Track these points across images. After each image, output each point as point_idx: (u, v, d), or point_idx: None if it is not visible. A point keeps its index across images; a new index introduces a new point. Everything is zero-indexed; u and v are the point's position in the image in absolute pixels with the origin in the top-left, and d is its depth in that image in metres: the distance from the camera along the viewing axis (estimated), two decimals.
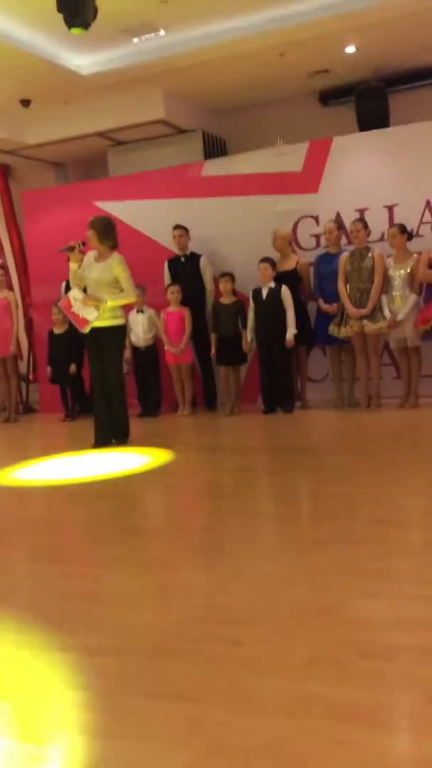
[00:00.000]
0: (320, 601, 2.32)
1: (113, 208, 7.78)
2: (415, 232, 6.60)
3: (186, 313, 7.20)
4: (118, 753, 1.58)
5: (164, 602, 2.44)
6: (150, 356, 7.41)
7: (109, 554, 3.03)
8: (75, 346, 7.49)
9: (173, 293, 7.21)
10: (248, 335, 6.90)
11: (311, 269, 6.95)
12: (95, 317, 5.51)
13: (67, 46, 6.95)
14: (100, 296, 5.54)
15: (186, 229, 7.37)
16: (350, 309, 6.44)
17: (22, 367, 8.77)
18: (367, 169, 7.04)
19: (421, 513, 3.38)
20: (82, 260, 5.68)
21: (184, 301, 7.24)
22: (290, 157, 7.28)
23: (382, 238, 6.69)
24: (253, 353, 7.06)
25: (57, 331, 7.90)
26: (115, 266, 5.55)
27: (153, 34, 6.91)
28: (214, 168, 7.73)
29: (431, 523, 3.17)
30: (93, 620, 2.33)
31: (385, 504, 3.47)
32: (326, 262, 6.76)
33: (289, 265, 6.92)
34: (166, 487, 4.44)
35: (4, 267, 9.50)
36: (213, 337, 7.09)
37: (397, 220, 6.72)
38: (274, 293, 6.71)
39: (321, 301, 6.76)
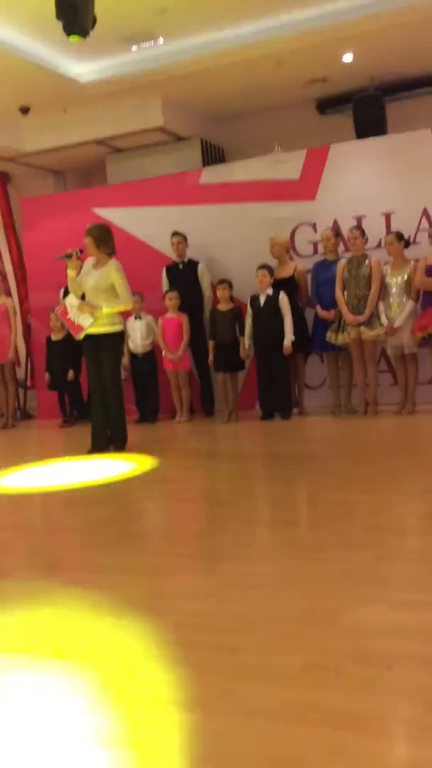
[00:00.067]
0: (317, 607, 2.32)
1: (112, 215, 7.81)
2: (412, 240, 6.63)
3: (184, 319, 7.21)
4: (113, 760, 1.58)
5: (160, 608, 2.44)
6: (148, 363, 7.42)
7: (106, 561, 3.03)
8: (73, 352, 7.49)
9: (171, 300, 7.22)
10: (246, 342, 6.91)
11: (309, 276, 6.98)
12: (90, 324, 5.53)
13: (66, 54, 6.98)
14: (97, 303, 5.55)
15: (184, 236, 7.39)
16: (347, 316, 6.46)
17: (20, 373, 8.78)
18: (364, 176, 7.07)
19: (418, 519, 3.38)
20: (80, 267, 5.70)
21: (182, 308, 7.25)
22: (288, 165, 7.31)
23: (379, 246, 6.71)
24: (251, 360, 7.07)
25: (55, 337, 7.91)
26: (112, 273, 5.56)
27: (152, 43, 6.95)
28: (212, 175, 7.76)
29: (428, 529, 3.17)
30: (89, 626, 2.33)
31: (382, 511, 3.47)
32: (324, 269, 6.78)
33: (286, 272, 6.94)
34: (164, 493, 4.43)
35: (3, 273, 9.52)
36: (211, 344, 7.10)
37: (394, 227, 6.75)
38: (272, 300, 6.72)
39: (318, 308, 6.78)
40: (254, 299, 6.84)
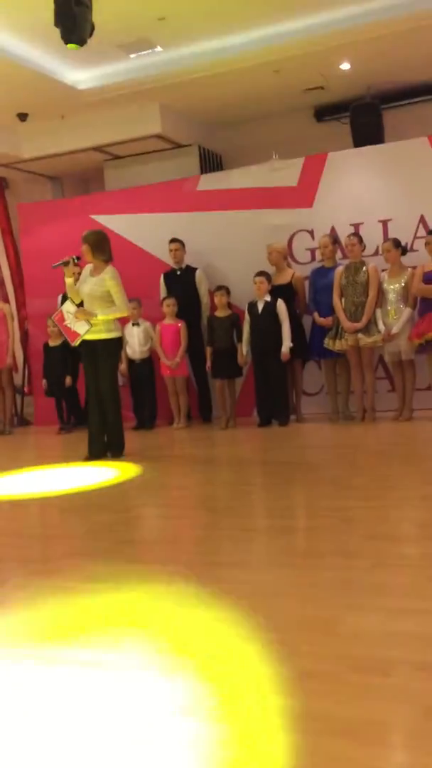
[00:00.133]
0: (314, 614, 2.31)
1: (109, 221, 7.82)
2: (409, 247, 6.65)
3: (182, 326, 7.22)
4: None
5: (157, 614, 2.43)
6: (146, 369, 7.42)
7: (99, 568, 3.02)
8: (70, 358, 7.49)
9: (169, 306, 7.23)
10: (243, 348, 6.92)
11: (306, 283, 6.99)
12: (85, 331, 5.53)
13: (64, 61, 7.00)
14: (92, 310, 5.55)
15: (182, 243, 7.40)
16: (345, 322, 6.47)
17: (17, 379, 8.77)
18: (361, 184, 7.09)
19: (415, 526, 3.38)
20: (77, 274, 5.70)
21: (180, 314, 7.26)
22: (285, 173, 7.33)
23: (376, 253, 6.73)
24: (249, 366, 7.07)
25: (52, 343, 7.91)
26: (108, 280, 5.56)
27: (150, 50, 6.98)
28: (210, 182, 7.78)
29: (426, 536, 3.17)
30: (86, 632, 2.32)
31: (379, 517, 3.47)
32: (321, 276, 6.80)
33: (284, 278, 6.95)
34: (161, 500, 4.43)
35: (0, 279, 9.53)
36: (208, 350, 7.10)
37: (391, 234, 6.77)
38: (270, 307, 6.73)
39: (316, 315, 6.79)
40: (252, 306, 6.85)
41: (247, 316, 6.89)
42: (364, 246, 6.58)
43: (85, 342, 5.59)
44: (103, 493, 4.54)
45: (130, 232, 7.88)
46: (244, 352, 6.92)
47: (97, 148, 8.51)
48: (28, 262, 8.59)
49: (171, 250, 7.40)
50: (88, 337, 5.56)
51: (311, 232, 7.23)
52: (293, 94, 7.93)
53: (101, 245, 5.62)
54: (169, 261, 7.50)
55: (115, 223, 7.84)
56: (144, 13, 6.15)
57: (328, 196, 7.18)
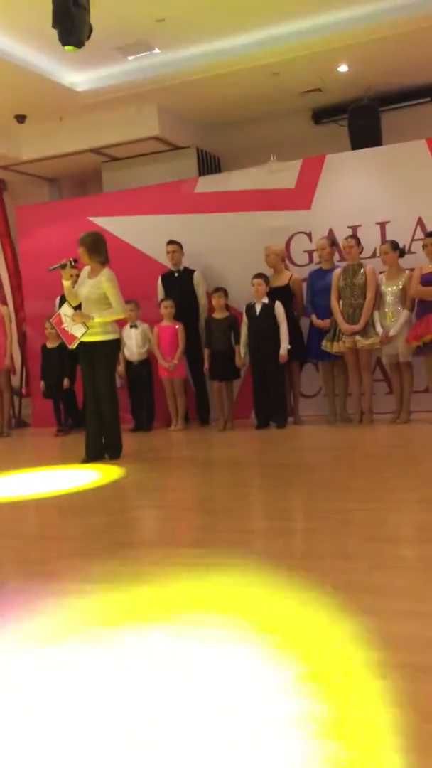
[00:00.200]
0: (311, 617, 2.31)
1: (107, 223, 7.82)
2: (407, 249, 6.66)
3: (179, 327, 7.22)
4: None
5: (154, 616, 2.43)
6: (143, 371, 7.42)
7: (97, 569, 3.02)
8: (68, 360, 7.49)
9: (167, 308, 7.23)
10: (241, 350, 6.92)
11: (304, 285, 7.00)
12: (82, 334, 5.53)
13: (62, 63, 7.01)
14: (91, 312, 5.54)
15: (179, 245, 7.41)
16: (343, 325, 6.47)
17: (15, 381, 8.76)
18: (359, 186, 7.10)
19: (413, 529, 3.38)
20: (75, 276, 5.69)
21: (178, 316, 7.26)
22: (283, 175, 7.34)
23: (374, 255, 6.74)
24: (246, 368, 7.08)
25: (50, 345, 7.90)
26: (104, 283, 5.55)
27: (148, 52, 6.99)
28: (208, 184, 7.79)
29: (423, 539, 3.17)
30: (84, 635, 2.32)
31: (376, 520, 3.47)
32: (319, 278, 6.81)
33: (281, 280, 6.96)
34: (158, 501, 4.43)
35: None
36: (206, 352, 7.10)
37: (389, 237, 6.77)
38: (268, 309, 6.74)
39: (314, 317, 6.80)
40: (250, 308, 6.86)
41: (245, 318, 6.89)
42: (362, 248, 6.59)
43: (82, 344, 5.59)
44: (101, 495, 4.53)
45: (128, 234, 7.89)
46: (242, 354, 6.93)
47: (95, 150, 8.52)
48: (26, 263, 8.58)
49: (169, 252, 7.41)
50: (86, 339, 5.55)
51: (309, 234, 7.24)
52: (291, 96, 7.95)
53: (97, 247, 5.61)
54: (167, 263, 7.50)
55: (113, 225, 7.84)
56: (142, 15, 6.16)
57: (326, 198, 7.19)
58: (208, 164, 8.77)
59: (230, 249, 7.44)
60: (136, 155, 8.68)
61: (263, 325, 6.73)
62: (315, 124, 8.57)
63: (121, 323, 6.47)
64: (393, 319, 6.36)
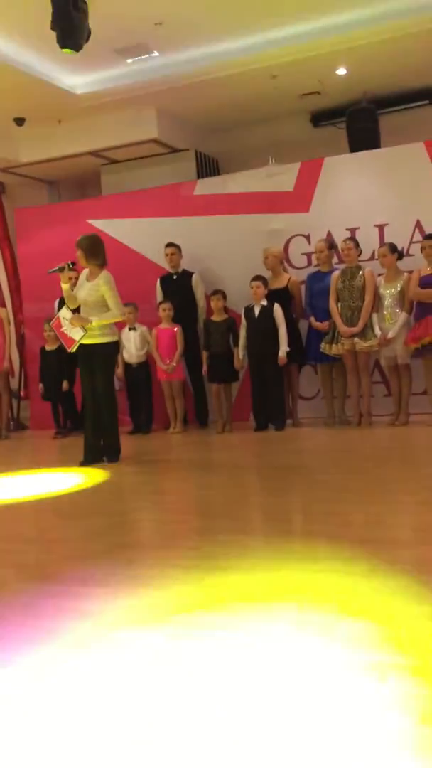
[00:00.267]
0: (309, 619, 2.31)
1: (106, 226, 7.83)
2: (405, 252, 6.67)
3: (178, 330, 7.23)
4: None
5: (154, 619, 2.43)
6: (142, 373, 7.42)
7: (95, 572, 3.01)
8: (67, 363, 7.49)
9: (165, 310, 7.24)
10: (240, 353, 6.93)
11: (302, 287, 7.01)
12: (81, 337, 5.53)
13: (61, 66, 7.03)
14: (87, 316, 5.54)
15: (178, 247, 7.41)
16: (341, 327, 6.48)
17: (14, 383, 8.77)
18: (357, 189, 7.12)
19: (411, 531, 3.38)
20: (74, 279, 5.69)
21: (176, 319, 7.26)
22: (282, 177, 7.36)
23: (372, 257, 6.75)
24: (245, 371, 7.08)
25: (49, 347, 7.90)
26: (101, 286, 5.54)
27: (147, 55, 7.00)
28: (207, 187, 7.80)
29: (422, 541, 3.17)
30: (84, 637, 2.32)
31: (375, 522, 3.47)
32: (317, 281, 6.82)
33: (280, 283, 6.97)
34: (158, 504, 4.42)
35: None
36: (205, 355, 7.11)
37: (387, 239, 6.79)
38: (266, 311, 6.74)
39: (312, 319, 6.80)
40: (249, 310, 6.86)
41: (243, 321, 6.90)
42: (360, 250, 6.61)
43: (81, 346, 5.59)
44: (100, 497, 4.53)
45: (127, 236, 7.90)
46: (241, 356, 6.93)
47: (94, 153, 8.53)
48: (25, 266, 8.59)
49: (167, 255, 7.41)
50: (85, 341, 5.55)
51: (308, 237, 7.25)
52: (290, 99, 7.96)
53: (95, 250, 5.60)
54: (166, 265, 7.51)
55: (111, 227, 7.85)
56: (141, 18, 6.18)
57: (325, 200, 7.20)
58: (207, 167, 8.78)
59: (229, 251, 7.45)
60: (134, 158, 8.70)
61: (262, 328, 6.74)
62: (313, 127, 8.58)
63: (119, 326, 6.47)
64: (391, 322, 6.37)
